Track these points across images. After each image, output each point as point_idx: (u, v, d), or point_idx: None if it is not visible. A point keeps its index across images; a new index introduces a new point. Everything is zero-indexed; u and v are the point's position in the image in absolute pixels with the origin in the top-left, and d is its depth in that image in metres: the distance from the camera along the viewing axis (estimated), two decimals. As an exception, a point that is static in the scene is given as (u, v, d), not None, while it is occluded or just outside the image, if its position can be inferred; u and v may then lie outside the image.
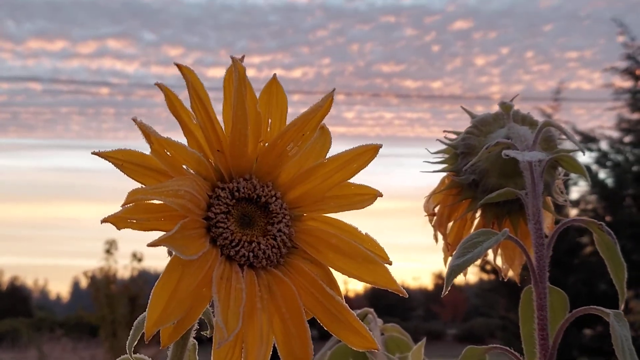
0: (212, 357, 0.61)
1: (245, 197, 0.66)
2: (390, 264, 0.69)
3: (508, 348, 0.84)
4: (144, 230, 0.58)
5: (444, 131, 1.03)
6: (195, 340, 0.72)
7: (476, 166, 0.95)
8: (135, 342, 0.68)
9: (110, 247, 14.80)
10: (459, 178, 0.96)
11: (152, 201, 0.58)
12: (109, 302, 13.78)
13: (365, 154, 0.69)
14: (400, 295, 0.67)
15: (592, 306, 0.79)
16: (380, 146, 0.69)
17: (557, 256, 13.84)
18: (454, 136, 1.00)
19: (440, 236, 1.01)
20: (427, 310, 39.28)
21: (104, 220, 0.56)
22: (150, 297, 0.58)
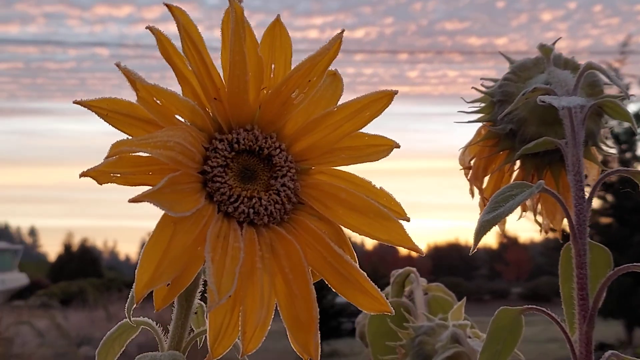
0: (207, 323, 0.56)
1: (246, 149, 0.61)
2: (407, 220, 0.64)
3: (545, 309, 0.78)
4: (130, 185, 0.54)
5: (481, 79, 0.96)
6: (202, 303, 0.68)
7: (514, 115, 0.88)
8: (135, 305, 0.64)
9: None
10: (495, 128, 0.89)
11: (139, 154, 0.54)
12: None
13: (379, 101, 0.63)
14: (417, 253, 0.62)
15: (635, 264, 0.73)
16: (395, 92, 0.63)
17: (623, 214, 13.53)
18: (491, 84, 0.94)
19: (476, 191, 0.95)
20: (491, 270, 38.92)
21: (83, 175, 0.51)
22: (140, 256, 0.54)
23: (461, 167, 0.96)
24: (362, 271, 0.60)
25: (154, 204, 0.51)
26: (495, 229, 0.82)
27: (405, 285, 1.19)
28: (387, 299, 1.17)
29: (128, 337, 0.69)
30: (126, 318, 0.68)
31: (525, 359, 0.94)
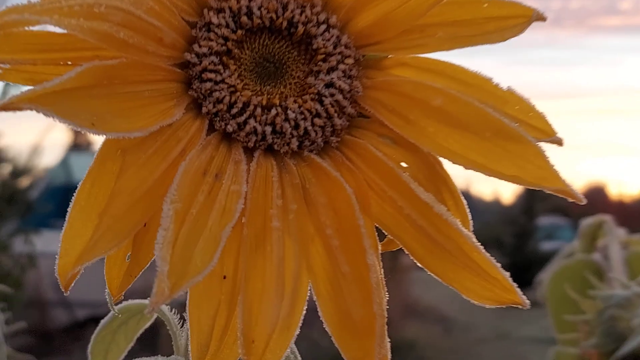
0: (188, 319, 0.33)
1: (264, 26, 0.36)
2: (560, 143, 0.37)
3: None
4: (33, 84, 0.31)
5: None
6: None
7: None
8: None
9: None
10: None
11: (50, 29, 0.31)
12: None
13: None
14: (570, 198, 0.34)
15: None
16: None
17: None
18: None
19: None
20: None
21: None
22: (69, 211, 0.31)
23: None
24: (469, 234, 0.34)
25: (48, 115, 0.28)
26: None
27: (598, 237, 0.93)
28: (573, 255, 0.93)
29: (138, 327, 0.46)
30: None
31: None
